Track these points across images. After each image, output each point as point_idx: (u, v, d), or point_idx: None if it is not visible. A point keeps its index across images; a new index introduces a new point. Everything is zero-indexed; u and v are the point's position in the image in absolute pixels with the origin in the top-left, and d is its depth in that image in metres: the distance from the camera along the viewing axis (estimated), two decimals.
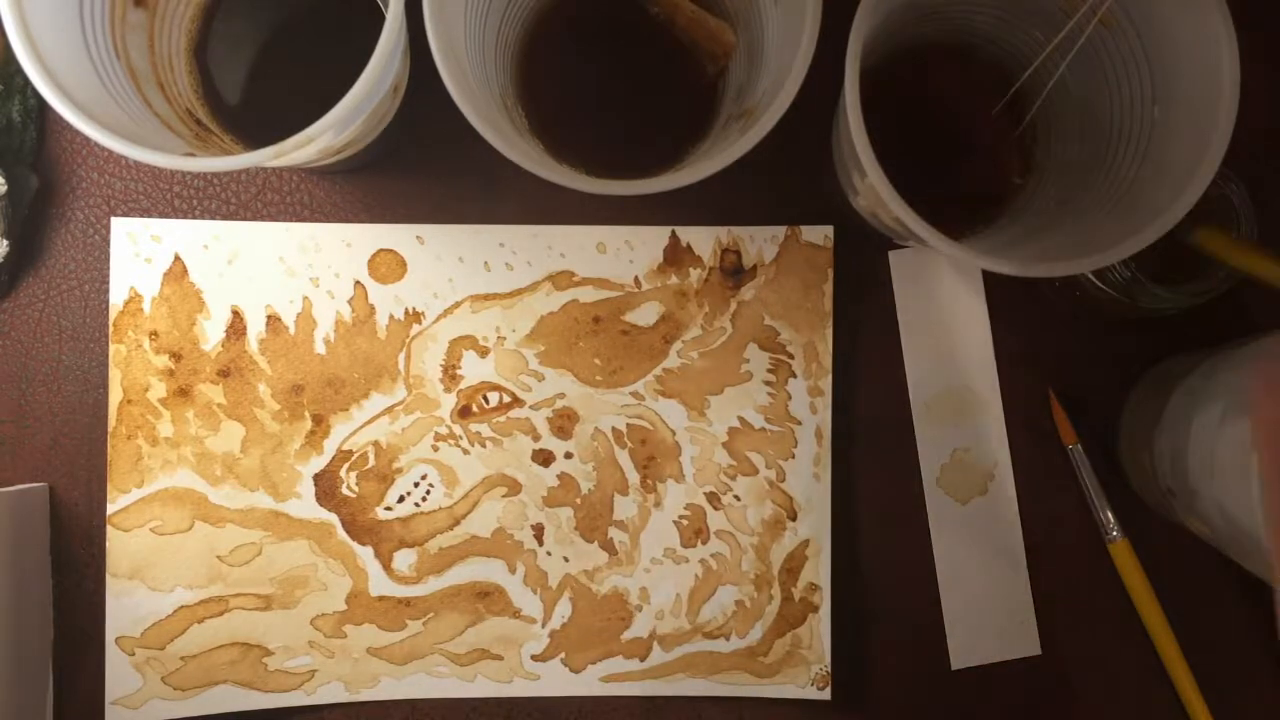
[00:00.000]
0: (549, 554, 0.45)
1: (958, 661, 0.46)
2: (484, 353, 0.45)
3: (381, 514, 0.45)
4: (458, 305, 0.45)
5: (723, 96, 0.43)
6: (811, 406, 0.46)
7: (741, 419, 0.46)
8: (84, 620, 0.45)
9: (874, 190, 0.35)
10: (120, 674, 0.44)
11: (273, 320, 0.45)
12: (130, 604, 0.44)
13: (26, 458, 0.45)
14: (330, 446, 0.45)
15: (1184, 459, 0.39)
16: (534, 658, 0.45)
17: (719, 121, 0.42)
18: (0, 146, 0.44)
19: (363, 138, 0.40)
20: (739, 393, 0.46)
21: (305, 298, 0.45)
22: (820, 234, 0.46)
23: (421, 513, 0.45)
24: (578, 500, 0.45)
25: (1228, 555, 0.39)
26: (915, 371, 0.46)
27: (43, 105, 0.45)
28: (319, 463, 0.45)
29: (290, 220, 0.45)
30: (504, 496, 0.45)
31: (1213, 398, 0.38)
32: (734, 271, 0.46)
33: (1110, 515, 0.46)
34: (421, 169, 0.46)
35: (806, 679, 0.45)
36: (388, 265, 0.45)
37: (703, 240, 0.46)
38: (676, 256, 0.46)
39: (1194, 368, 0.41)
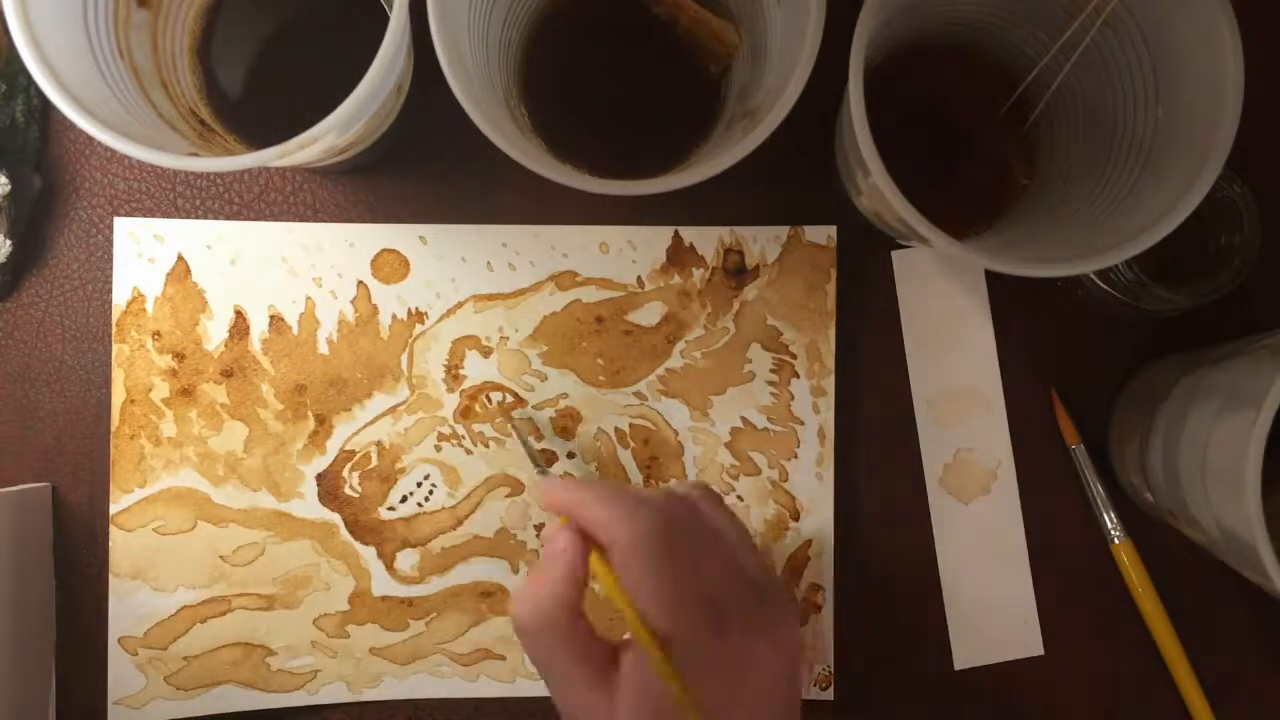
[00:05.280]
0: None
1: (961, 662, 0.46)
2: (487, 353, 0.45)
3: (384, 514, 0.45)
4: (460, 305, 0.45)
5: (726, 96, 0.43)
6: (814, 406, 0.46)
7: (744, 419, 0.46)
8: (86, 620, 0.45)
9: (877, 190, 0.35)
10: (122, 674, 0.44)
11: (275, 320, 0.45)
12: (133, 604, 0.44)
13: (29, 458, 0.45)
14: (333, 446, 0.45)
15: (1175, 462, 0.39)
16: None
17: (722, 121, 0.42)
18: (3, 146, 0.44)
19: (366, 138, 0.40)
20: (742, 393, 0.46)
21: (308, 298, 0.45)
22: (823, 234, 0.46)
23: (424, 513, 0.45)
24: None
25: (1227, 562, 0.38)
26: (918, 371, 0.46)
27: (46, 105, 0.45)
28: (322, 463, 0.45)
29: (293, 220, 0.45)
30: (507, 496, 0.45)
31: (1208, 396, 0.38)
32: (737, 271, 0.46)
33: (1113, 516, 0.45)
34: (424, 169, 0.46)
35: (809, 679, 0.45)
36: (390, 265, 0.45)
37: (705, 240, 0.46)
38: (679, 256, 0.46)
39: (1185, 373, 0.41)
